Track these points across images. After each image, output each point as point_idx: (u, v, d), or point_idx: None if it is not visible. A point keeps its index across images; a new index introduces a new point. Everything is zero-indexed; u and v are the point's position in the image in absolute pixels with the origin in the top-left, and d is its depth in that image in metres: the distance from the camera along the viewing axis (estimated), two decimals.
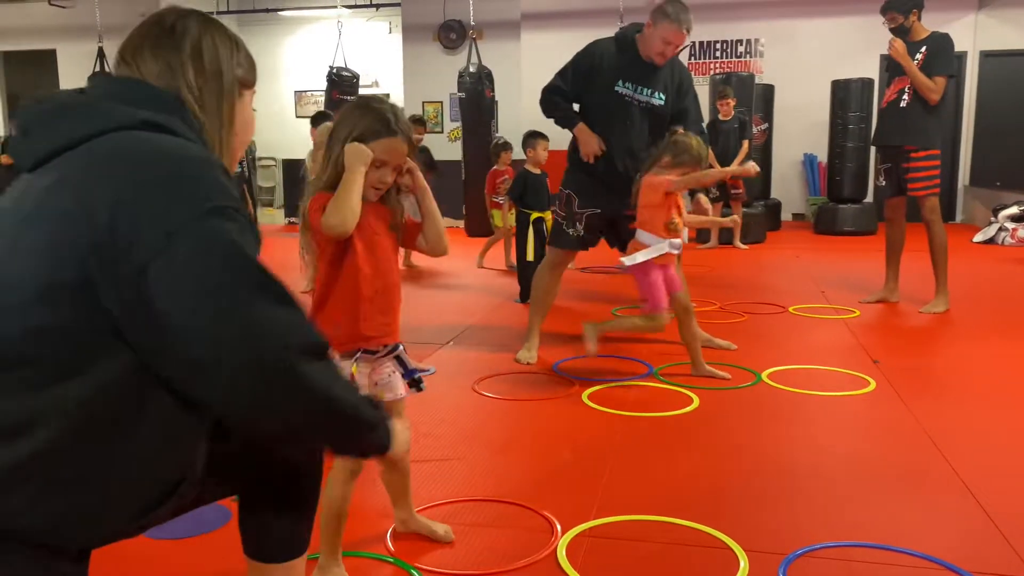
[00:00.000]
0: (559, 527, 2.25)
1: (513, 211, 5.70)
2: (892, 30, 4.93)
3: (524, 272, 5.49)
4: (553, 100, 3.87)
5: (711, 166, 5.21)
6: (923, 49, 4.82)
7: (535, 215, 5.43)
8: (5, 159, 8.54)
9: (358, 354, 1.94)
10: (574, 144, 3.91)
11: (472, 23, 9.34)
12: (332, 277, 1.93)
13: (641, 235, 3.49)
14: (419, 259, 6.98)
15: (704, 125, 4.08)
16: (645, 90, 3.78)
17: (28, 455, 1.03)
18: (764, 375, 3.69)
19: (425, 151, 6.98)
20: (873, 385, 3.54)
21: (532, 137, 5.64)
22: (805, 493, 2.50)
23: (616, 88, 3.76)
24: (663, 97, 3.80)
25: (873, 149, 9.31)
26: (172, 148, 1.13)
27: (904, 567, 2.05)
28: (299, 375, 1.08)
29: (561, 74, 3.89)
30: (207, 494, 1.37)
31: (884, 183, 5.17)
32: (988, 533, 2.22)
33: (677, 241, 3.48)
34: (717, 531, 2.22)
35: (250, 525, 1.46)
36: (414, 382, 2.07)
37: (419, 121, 7.10)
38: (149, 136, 1.13)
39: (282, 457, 1.40)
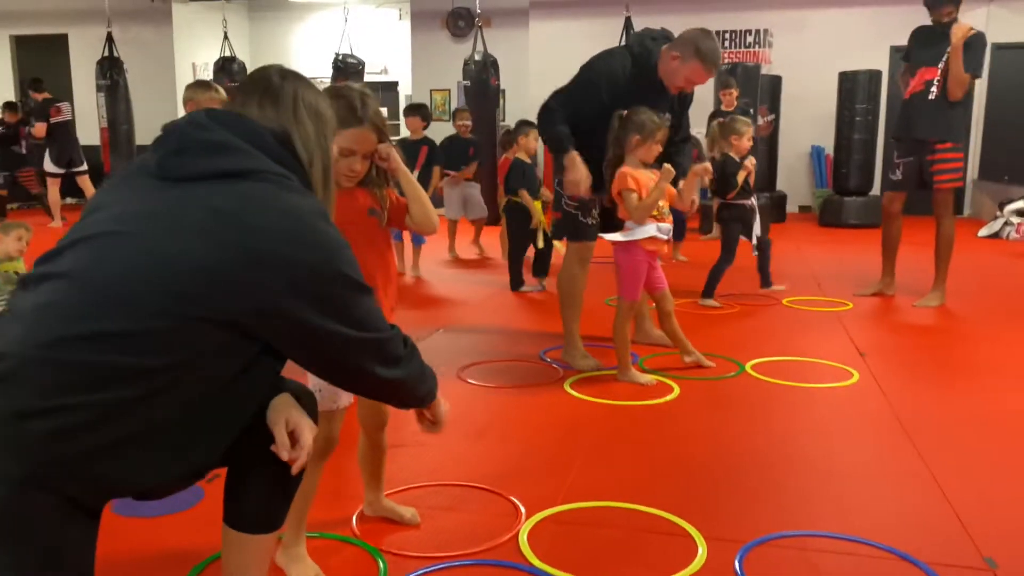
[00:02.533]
0: (524, 512, 2.29)
1: (505, 200, 5.76)
2: (942, 24, 4.78)
3: (516, 261, 5.54)
4: (554, 117, 3.57)
5: (713, 158, 5.21)
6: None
7: (537, 203, 5.49)
8: (40, 129, 8.84)
9: None
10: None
11: (478, 11, 9.33)
12: None
13: (629, 223, 3.47)
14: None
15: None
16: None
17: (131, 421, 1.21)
18: (748, 366, 3.70)
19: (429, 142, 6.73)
20: (856, 377, 3.55)
21: (525, 125, 5.70)
22: (774, 483, 2.53)
23: None
24: (668, 117, 3.66)
25: (881, 142, 9.35)
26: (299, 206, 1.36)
27: (860, 557, 2.07)
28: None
29: (576, 95, 3.57)
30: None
31: (900, 177, 5.04)
32: (950, 525, 2.23)
33: (665, 225, 3.44)
34: (680, 518, 2.24)
35: (236, 495, 1.54)
36: None
37: (416, 110, 6.78)
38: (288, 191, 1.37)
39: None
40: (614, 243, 3.46)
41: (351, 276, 1.38)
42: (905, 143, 5.00)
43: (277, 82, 1.48)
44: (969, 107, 4.91)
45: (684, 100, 3.79)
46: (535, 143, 5.61)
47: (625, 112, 3.38)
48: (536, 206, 5.53)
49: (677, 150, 3.80)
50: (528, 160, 5.62)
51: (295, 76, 1.52)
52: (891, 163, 5.15)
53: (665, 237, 3.46)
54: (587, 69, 3.64)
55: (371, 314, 1.43)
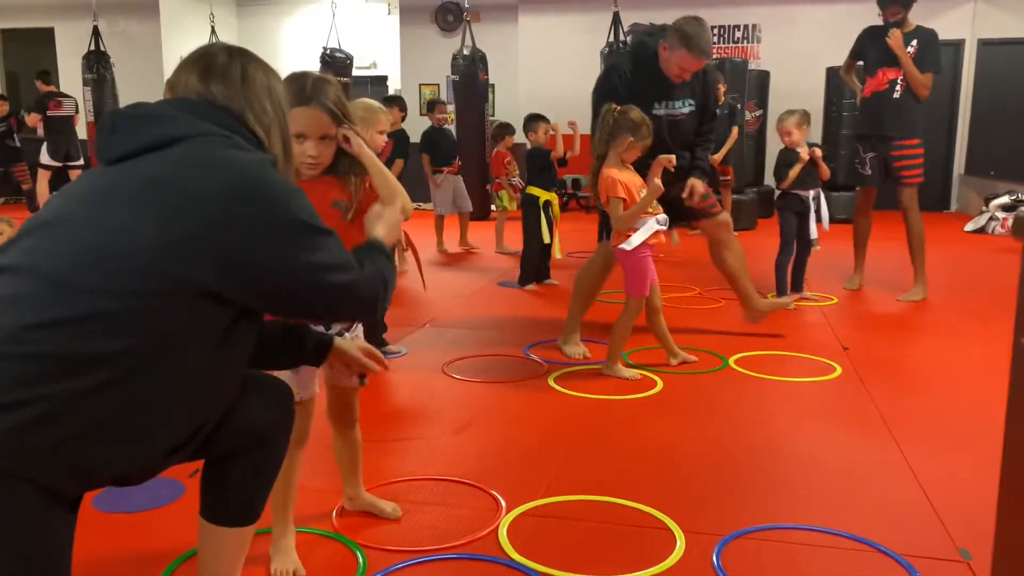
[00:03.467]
0: (505, 506, 2.30)
1: (518, 193, 5.79)
2: (892, 23, 4.91)
3: (531, 256, 5.52)
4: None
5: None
6: (914, 42, 4.87)
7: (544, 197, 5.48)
8: (32, 119, 8.81)
9: None
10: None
11: (467, 5, 9.32)
12: None
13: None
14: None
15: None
16: (677, 103, 3.69)
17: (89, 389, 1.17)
18: (731, 360, 3.72)
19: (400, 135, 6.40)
20: (839, 372, 3.57)
21: (534, 120, 5.78)
22: (754, 476, 2.54)
23: (655, 111, 3.65)
24: (692, 102, 3.74)
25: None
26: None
27: (838, 549, 2.09)
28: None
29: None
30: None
31: (870, 172, 5.19)
32: (927, 518, 2.25)
33: (662, 216, 3.42)
34: (659, 512, 2.26)
35: (212, 488, 1.54)
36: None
37: (393, 100, 6.67)
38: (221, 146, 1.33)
39: (252, 427, 1.48)
40: (630, 251, 3.41)
41: (306, 221, 1.32)
42: (870, 139, 5.14)
43: (223, 60, 1.42)
44: (927, 103, 5.05)
45: (705, 85, 3.81)
46: (544, 136, 5.66)
47: (619, 108, 3.38)
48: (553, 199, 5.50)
49: (698, 142, 3.86)
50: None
51: (242, 53, 1.46)
52: (859, 160, 5.30)
53: (665, 228, 3.44)
54: (599, 89, 3.72)
55: (335, 257, 1.35)
